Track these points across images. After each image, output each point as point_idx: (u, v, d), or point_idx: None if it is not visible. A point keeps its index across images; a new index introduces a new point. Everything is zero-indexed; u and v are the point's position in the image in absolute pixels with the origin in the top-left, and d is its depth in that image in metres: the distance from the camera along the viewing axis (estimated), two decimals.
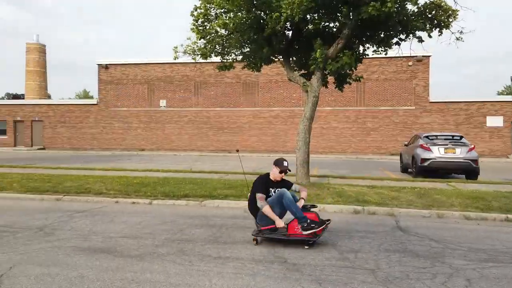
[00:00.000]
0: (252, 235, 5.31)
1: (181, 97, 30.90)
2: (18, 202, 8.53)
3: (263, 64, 12.06)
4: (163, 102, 31.22)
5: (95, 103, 32.53)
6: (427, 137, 14.13)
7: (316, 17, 10.21)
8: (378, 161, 23.09)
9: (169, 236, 5.65)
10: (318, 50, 9.54)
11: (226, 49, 11.56)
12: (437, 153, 13.18)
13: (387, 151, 27.31)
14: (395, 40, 10.48)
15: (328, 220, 5.25)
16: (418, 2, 9.10)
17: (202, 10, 10.59)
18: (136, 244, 5.19)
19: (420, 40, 10.23)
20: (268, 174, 5.63)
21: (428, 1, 9.57)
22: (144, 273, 4.08)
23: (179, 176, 11.92)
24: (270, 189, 5.51)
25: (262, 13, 10.01)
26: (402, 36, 10.21)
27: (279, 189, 5.39)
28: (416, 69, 27.26)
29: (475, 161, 12.98)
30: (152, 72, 31.38)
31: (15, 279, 3.86)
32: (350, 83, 11.49)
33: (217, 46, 11.35)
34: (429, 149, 13.33)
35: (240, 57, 12.05)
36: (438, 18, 9.58)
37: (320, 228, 5.07)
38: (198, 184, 10.22)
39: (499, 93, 56.59)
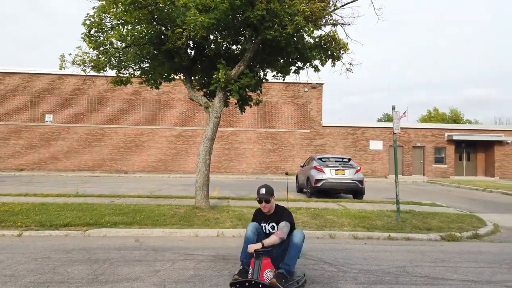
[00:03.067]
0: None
1: (72, 112, 28.12)
2: None
3: (162, 81, 11.54)
4: (49, 117, 27.97)
5: None
6: (320, 159, 15.01)
7: (219, 38, 10.14)
8: (276, 181, 23.85)
9: (37, 277, 4.71)
10: (221, 70, 9.43)
11: (123, 63, 10.76)
12: (329, 174, 14.04)
13: (284, 172, 28.41)
14: (293, 68, 10.92)
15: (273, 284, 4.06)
16: (313, 35, 9.65)
17: (96, 19, 9.72)
18: None
19: (316, 69, 10.84)
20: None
21: (323, 33, 10.22)
22: None
23: (60, 202, 10.48)
24: (263, 224, 4.73)
25: (164, 28, 9.57)
26: (300, 64, 10.70)
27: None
28: (311, 95, 29.29)
29: (361, 181, 14.13)
30: (38, 83, 28.04)
31: None
32: (250, 106, 11.61)
33: (112, 58, 10.49)
34: (322, 171, 14.13)
35: (139, 72, 11.34)
36: (332, 50, 10.26)
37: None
38: (84, 211, 9.06)
39: (379, 120, 64.13)
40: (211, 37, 10.21)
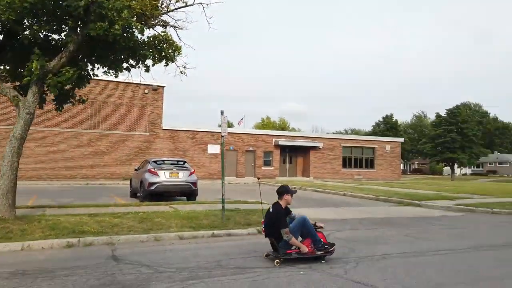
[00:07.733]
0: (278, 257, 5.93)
1: None
2: None
3: None
4: None
5: None
6: (155, 162, 14.76)
7: (36, 24, 8.90)
8: (110, 186, 22.34)
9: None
10: (36, 60, 8.30)
11: None
12: (163, 177, 13.92)
13: (120, 176, 26.88)
14: (125, 65, 10.44)
15: (333, 243, 6.27)
16: (144, 31, 9.46)
17: None
18: None
19: (148, 69, 10.65)
20: (279, 204, 6.15)
21: (156, 33, 10.12)
22: None
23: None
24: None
25: None
26: (132, 62, 10.29)
27: (297, 216, 6.26)
28: (152, 97, 28.61)
29: (194, 183, 14.49)
30: None
31: None
32: (73, 104, 10.57)
33: None
34: (156, 174, 13.91)
35: None
36: (165, 51, 10.26)
37: (332, 248, 6.08)
38: None
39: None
40: (27, 22, 8.90)
